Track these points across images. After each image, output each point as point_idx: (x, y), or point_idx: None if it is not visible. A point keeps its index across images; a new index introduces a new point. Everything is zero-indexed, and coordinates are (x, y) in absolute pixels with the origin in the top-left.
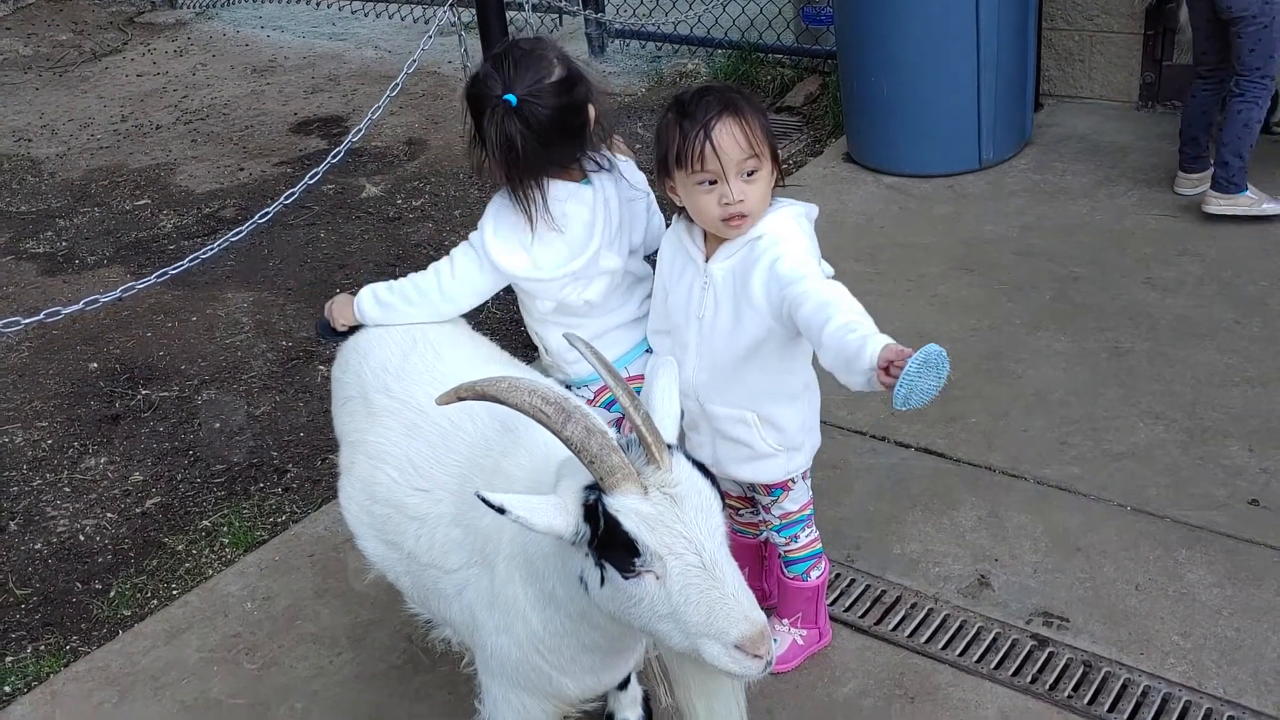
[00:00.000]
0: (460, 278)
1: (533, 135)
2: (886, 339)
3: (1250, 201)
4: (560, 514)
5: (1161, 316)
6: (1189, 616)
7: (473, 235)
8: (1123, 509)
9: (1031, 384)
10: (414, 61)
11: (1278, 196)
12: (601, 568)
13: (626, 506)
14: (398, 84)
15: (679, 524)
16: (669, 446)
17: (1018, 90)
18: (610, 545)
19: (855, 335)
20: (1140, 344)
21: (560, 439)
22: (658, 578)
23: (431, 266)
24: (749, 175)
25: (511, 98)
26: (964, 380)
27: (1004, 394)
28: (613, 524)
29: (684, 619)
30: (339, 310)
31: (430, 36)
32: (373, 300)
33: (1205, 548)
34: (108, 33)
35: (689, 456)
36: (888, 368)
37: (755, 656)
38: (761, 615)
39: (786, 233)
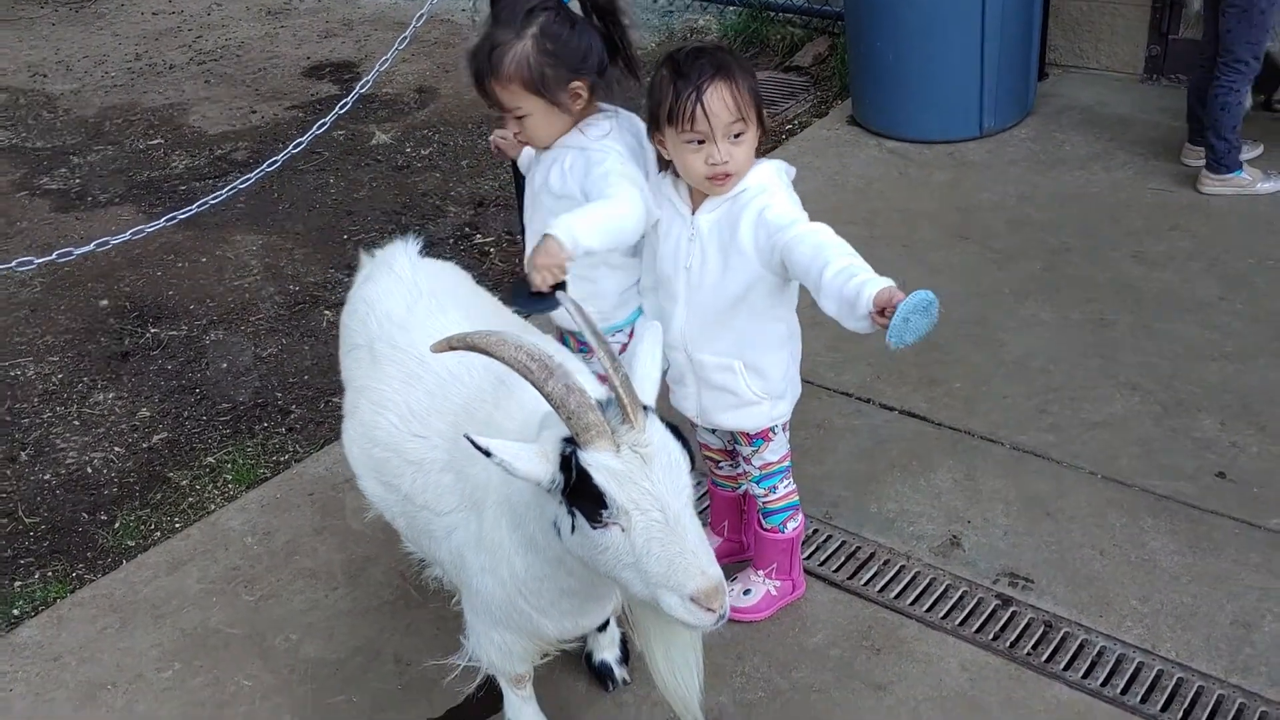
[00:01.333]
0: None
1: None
2: (881, 282)
3: (1245, 182)
4: (540, 462)
5: (1148, 290)
6: (1149, 582)
7: (612, 158)
8: (1094, 476)
9: (1014, 352)
10: (423, 15)
11: (1274, 175)
12: (573, 515)
13: (598, 461)
14: (406, 37)
15: (646, 481)
16: (644, 408)
17: (1022, 60)
18: (581, 496)
19: (854, 282)
20: (1124, 316)
21: (541, 394)
22: (623, 530)
23: (615, 192)
24: (735, 137)
25: None
26: (949, 346)
27: (987, 361)
28: (584, 476)
29: (645, 570)
30: (545, 256)
31: None
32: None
33: (1170, 517)
34: None
35: (663, 419)
36: (883, 310)
37: (709, 610)
38: (718, 571)
39: (770, 184)
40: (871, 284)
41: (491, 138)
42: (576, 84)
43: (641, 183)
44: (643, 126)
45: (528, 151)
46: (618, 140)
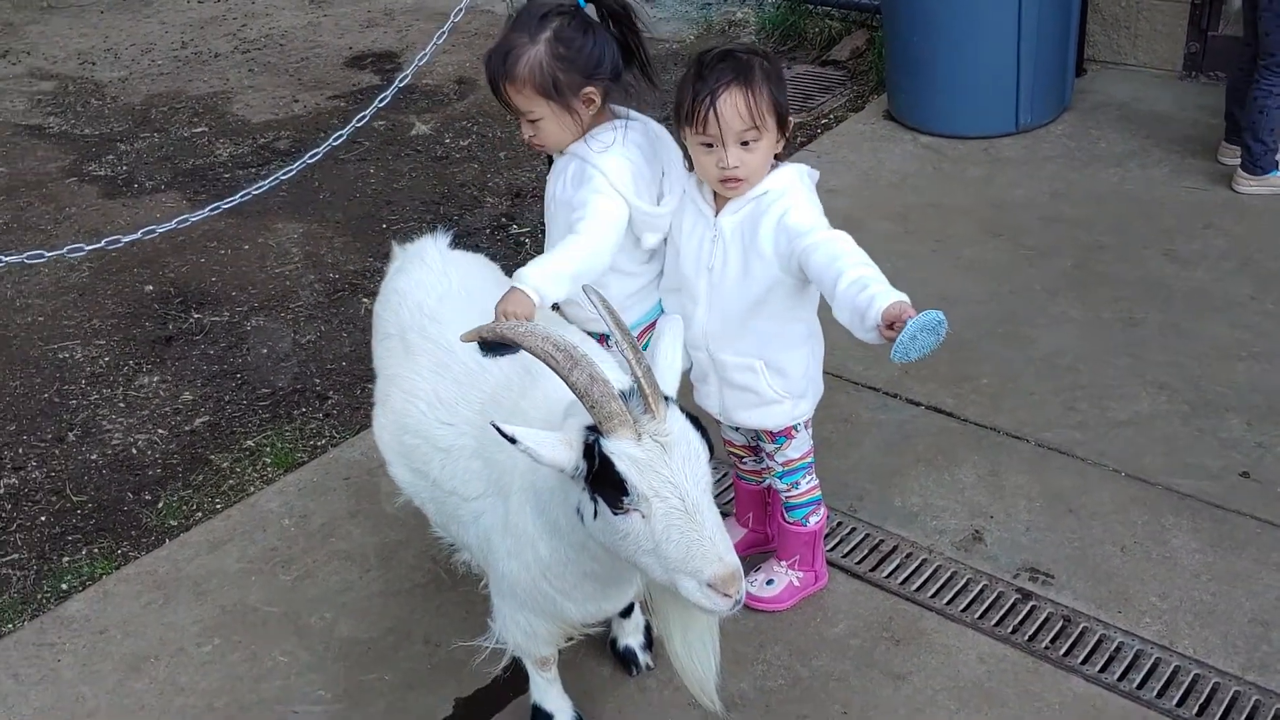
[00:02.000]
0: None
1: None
2: (892, 296)
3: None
4: (564, 449)
5: (1178, 289)
6: (1169, 579)
7: (596, 180)
8: (1118, 474)
9: (1043, 349)
10: (461, 10)
11: None
12: (595, 502)
13: (620, 450)
14: (444, 31)
15: (666, 469)
16: (665, 398)
17: (1059, 56)
18: (603, 483)
19: (865, 294)
20: (1154, 315)
21: (566, 383)
22: (643, 516)
23: (585, 226)
24: (747, 144)
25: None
26: (978, 342)
27: (1016, 358)
28: (607, 464)
29: (664, 555)
30: (513, 305)
31: None
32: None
33: (1193, 515)
34: None
35: (683, 409)
36: (891, 324)
37: (725, 595)
38: (734, 558)
39: (792, 188)
40: (882, 297)
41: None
42: (589, 89)
43: (621, 209)
44: (658, 129)
45: None
46: (623, 151)
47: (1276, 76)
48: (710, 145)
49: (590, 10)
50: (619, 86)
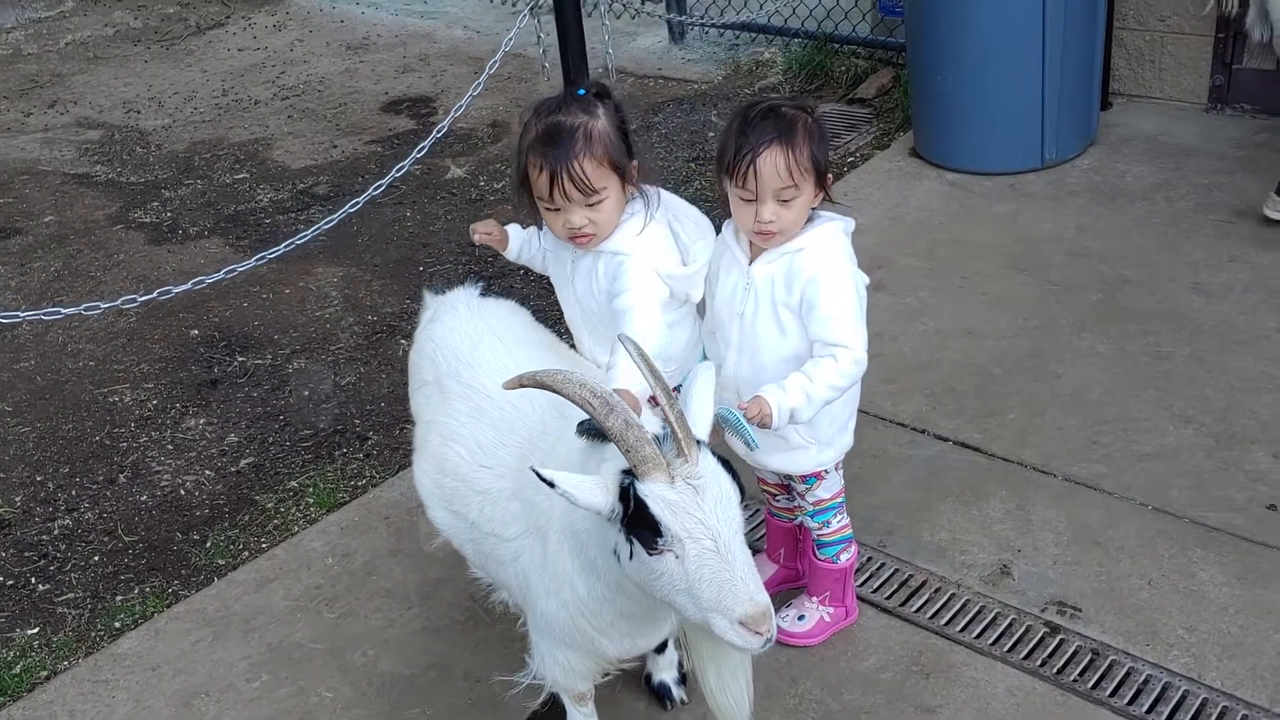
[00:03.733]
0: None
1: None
2: (769, 393)
3: None
4: (600, 492)
5: (1204, 322)
6: (1196, 612)
7: (630, 266)
8: (1144, 508)
9: (1070, 384)
10: (510, 40)
11: None
12: (631, 543)
13: (654, 492)
14: (479, 84)
15: (699, 511)
16: (698, 442)
17: (1084, 91)
18: (639, 524)
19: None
20: (1181, 348)
21: (602, 428)
22: (677, 556)
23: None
24: (785, 201)
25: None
26: (1005, 377)
27: (1043, 392)
28: (642, 506)
29: (697, 595)
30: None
31: (525, 17)
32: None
33: (1219, 548)
34: (211, 6)
35: (714, 452)
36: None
37: (757, 633)
38: (765, 597)
39: (828, 254)
40: (767, 389)
41: (476, 237)
42: (634, 163)
43: (660, 288)
44: (665, 196)
45: (517, 244)
46: (652, 231)
47: None
48: (749, 200)
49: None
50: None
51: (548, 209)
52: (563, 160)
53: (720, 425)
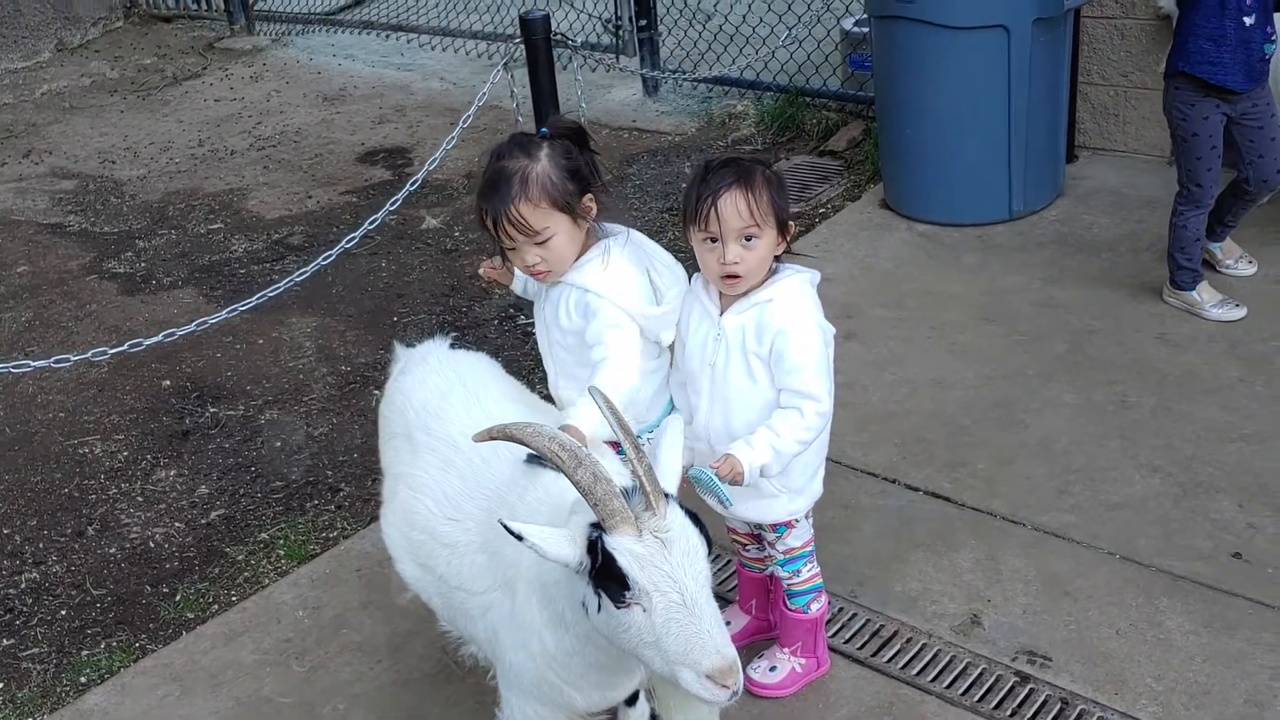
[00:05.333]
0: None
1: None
2: (737, 451)
3: (1196, 302)
4: (568, 545)
5: (1170, 372)
6: (1164, 660)
7: (605, 311)
8: (1112, 556)
9: (1038, 433)
10: (484, 95)
11: (1229, 304)
12: (599, 596)
13: (621, 546)
14: (453, 138)
15: (666, 565)
16: (666, 496)
17: (1050, 144)
18: (606, 577)
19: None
20: (1146, 398)
21: (571, 481)
22: (644, 610)
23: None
24: (747, 241)
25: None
26: (975, 427)
27: (1011, 442)
28: (609, 559)
29: (664, 648)
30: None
31: (499, 71)
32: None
33: (1186, 597)
34: (189, 57)
35: (682, 505)
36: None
37: (723, 686)
38: (732, 650)
39: (796, 305)
40: (736, 446)
41: (482, 270)
42: (588, 198)
43: (634, 333)
44: (636, 235)
45: (521, 277)
46: (617, 267)
47: (1182, 198)
48: (713, 240)
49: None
50: (604, 196)
51: (506, 246)
52: (501, 206)
53: (694, 486)
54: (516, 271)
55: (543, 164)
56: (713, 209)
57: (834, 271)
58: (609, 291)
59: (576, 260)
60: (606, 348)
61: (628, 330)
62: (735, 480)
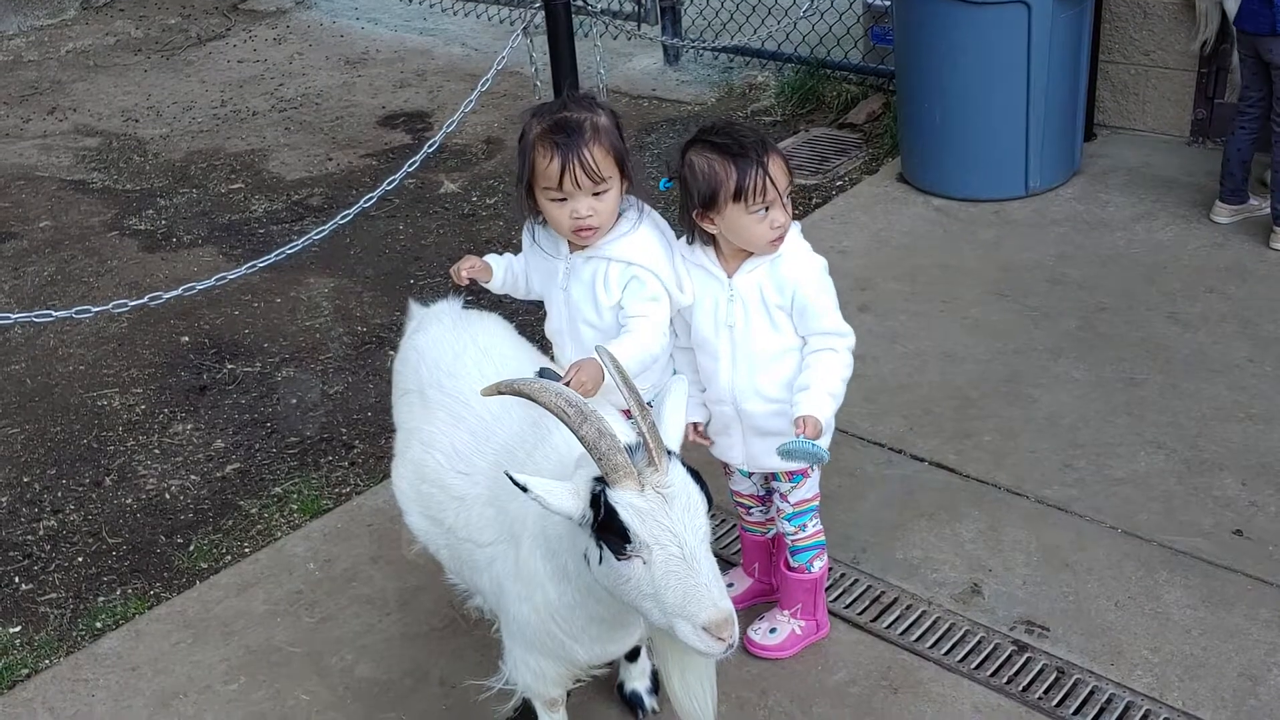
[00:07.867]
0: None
1: None
2: (813, 407)
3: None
4: (572, 498)
5: (1179, 350)
6: (1161, 633)
7: (651, 285)
8: (1114, 531)
9: (1045, 408)
10: (503, 59)
11: None
12: (601, 548)
13: (624, 500)
14: (471, 100)
15: (666, 519)
16: (668, 453)
17: (1068, 122)
18: (608, 530)
19: (799, 394)
20: (1154, 376)
21: (576, 436)
22: (644, 562)
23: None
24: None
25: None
26: (983, 401)
27: (1018, 416)
28: (611, 512)
29: (663, 600)
30: (585, 374)
31: (518, 36)
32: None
33: (1186, 572)
34: (213, 18)
35: (684, 463)
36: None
37: (719, 639)
38: (729, 604)
39: (801, 255)
40: (804, 405)
41: (462, 271)
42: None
43: (666, 298)
44: (659, 218)
45: (500, 273)
46: (651, 235)
47: None
48: (765, 210)
49: None
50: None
51: (553, 199)
52: (574, 147)
53: (788, 458)
54: (496, 268)
55: (605, 119)
56: (766, 177)
57: (849, 244)
58: (653, 265)
59: (613, 229)
60: (646, 319)
61: (664, 303)
62: (817, 436)
